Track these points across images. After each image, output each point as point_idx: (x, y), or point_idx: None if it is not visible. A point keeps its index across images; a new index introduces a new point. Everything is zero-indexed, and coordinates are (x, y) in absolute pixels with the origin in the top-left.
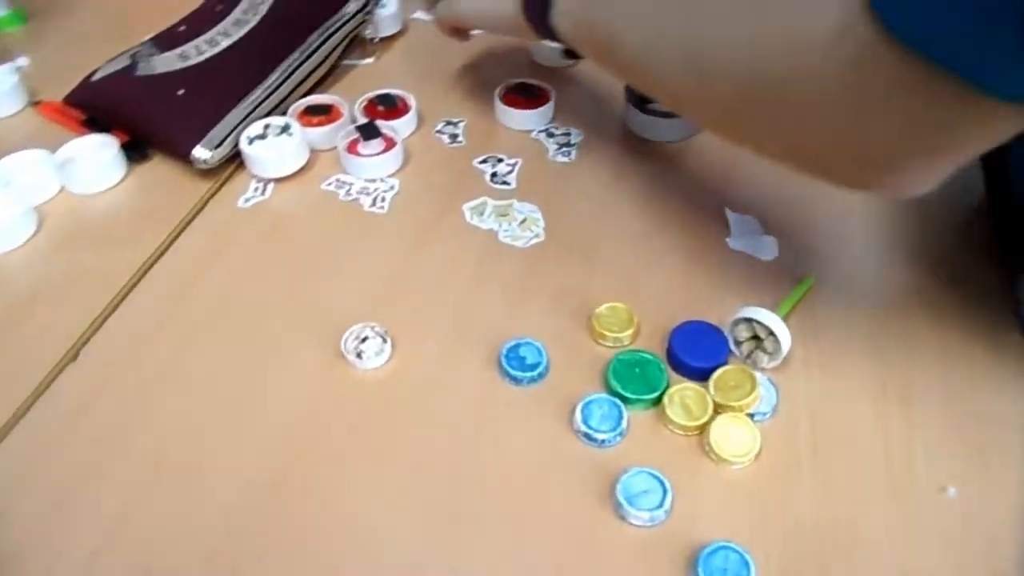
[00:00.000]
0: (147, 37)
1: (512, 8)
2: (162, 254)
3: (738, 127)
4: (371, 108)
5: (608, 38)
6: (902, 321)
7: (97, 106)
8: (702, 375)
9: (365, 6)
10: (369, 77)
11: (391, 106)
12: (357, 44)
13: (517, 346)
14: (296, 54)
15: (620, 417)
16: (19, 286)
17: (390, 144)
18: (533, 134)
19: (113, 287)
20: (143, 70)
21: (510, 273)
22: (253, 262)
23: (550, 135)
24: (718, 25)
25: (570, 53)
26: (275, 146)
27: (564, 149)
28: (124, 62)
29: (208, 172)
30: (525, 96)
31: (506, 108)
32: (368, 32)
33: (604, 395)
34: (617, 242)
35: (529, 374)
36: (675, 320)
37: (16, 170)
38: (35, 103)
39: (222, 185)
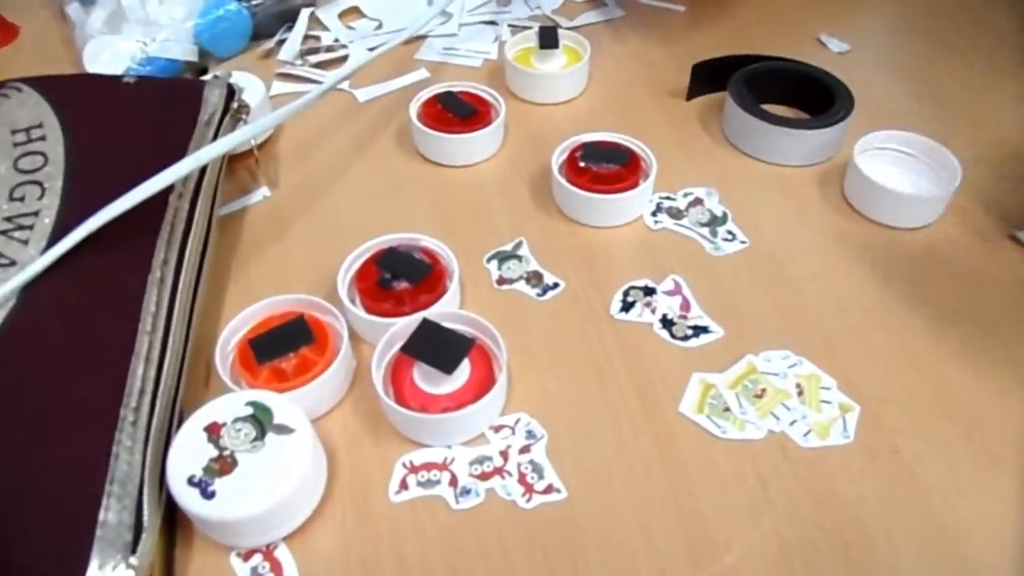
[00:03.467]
0: None
1: None
2: None
3: None
4: (375, 292)
5: None
6: None
7: None
8: None
9: (232, 94)
10: (277, 233)
11: (417, 277)
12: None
13: None
14: (164, 234)
15: None
16: None
17: (479, 363)
18: (647, 221)
19: None
20: None
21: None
22: None
23: (675, 215)
24: None
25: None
26: (267, 465)
27: (725, 234)
28: None
29: None
30: (600, 164)
31: (591, 196)
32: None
33: None
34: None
35: None
36: None
37: None
38: None
39: None
